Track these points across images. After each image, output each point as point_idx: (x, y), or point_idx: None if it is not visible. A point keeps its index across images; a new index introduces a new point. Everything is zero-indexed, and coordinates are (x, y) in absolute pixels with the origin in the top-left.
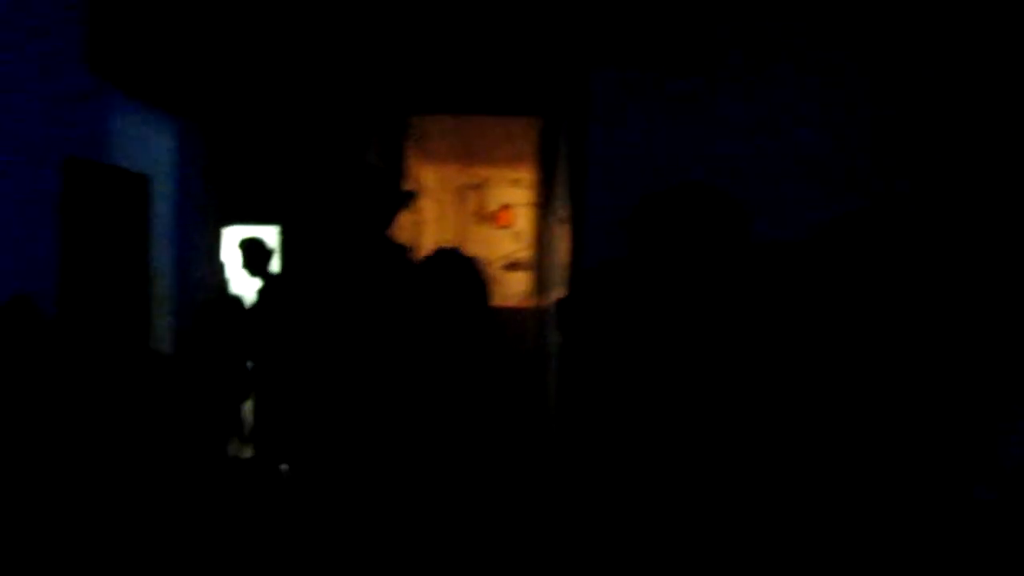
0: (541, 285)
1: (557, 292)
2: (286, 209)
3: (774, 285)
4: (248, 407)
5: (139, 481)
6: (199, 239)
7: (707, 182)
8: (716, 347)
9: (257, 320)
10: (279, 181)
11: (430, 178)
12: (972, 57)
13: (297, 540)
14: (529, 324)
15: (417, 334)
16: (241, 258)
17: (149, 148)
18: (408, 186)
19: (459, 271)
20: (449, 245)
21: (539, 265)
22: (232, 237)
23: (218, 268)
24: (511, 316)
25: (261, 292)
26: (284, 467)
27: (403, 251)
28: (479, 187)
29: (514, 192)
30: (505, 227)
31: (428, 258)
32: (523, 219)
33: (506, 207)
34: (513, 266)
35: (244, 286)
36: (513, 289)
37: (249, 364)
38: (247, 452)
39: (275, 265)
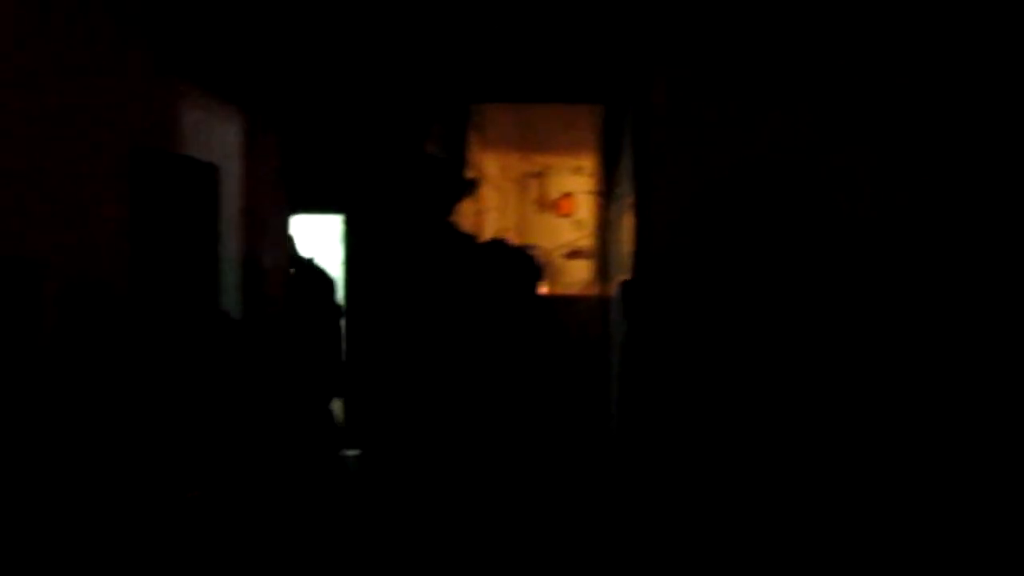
0: (603, 273)
1: (620, 279)
2: (351, 198)
3: (842, 278)
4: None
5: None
6: (267, 227)
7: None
8: (792, 338)
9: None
10: (344, 170)
11: (492, 166)
12: None
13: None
14: (590, 312)
15: (470, 324)
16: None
17: (218, 139)
18: (470, 175)
19: (508, 261)
20: (504, 235)
21: (601, 253)
22: (299, 225)
23: (288, 254)
24: (572, 304)
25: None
26: (351, 453)
27: (466, 240)
28: (541, 175)
29: (576, 180)
30: (567, 215)
31: (479, 247)
32: (584, 207)
33: (568, 195)
34: (575, 254)
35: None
36: (575, 277)
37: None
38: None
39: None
